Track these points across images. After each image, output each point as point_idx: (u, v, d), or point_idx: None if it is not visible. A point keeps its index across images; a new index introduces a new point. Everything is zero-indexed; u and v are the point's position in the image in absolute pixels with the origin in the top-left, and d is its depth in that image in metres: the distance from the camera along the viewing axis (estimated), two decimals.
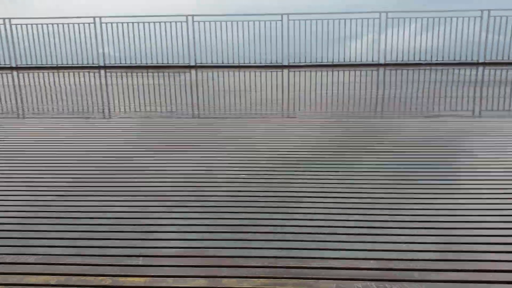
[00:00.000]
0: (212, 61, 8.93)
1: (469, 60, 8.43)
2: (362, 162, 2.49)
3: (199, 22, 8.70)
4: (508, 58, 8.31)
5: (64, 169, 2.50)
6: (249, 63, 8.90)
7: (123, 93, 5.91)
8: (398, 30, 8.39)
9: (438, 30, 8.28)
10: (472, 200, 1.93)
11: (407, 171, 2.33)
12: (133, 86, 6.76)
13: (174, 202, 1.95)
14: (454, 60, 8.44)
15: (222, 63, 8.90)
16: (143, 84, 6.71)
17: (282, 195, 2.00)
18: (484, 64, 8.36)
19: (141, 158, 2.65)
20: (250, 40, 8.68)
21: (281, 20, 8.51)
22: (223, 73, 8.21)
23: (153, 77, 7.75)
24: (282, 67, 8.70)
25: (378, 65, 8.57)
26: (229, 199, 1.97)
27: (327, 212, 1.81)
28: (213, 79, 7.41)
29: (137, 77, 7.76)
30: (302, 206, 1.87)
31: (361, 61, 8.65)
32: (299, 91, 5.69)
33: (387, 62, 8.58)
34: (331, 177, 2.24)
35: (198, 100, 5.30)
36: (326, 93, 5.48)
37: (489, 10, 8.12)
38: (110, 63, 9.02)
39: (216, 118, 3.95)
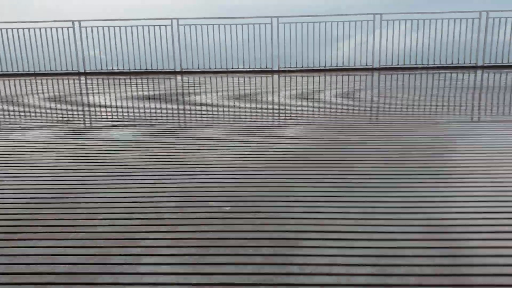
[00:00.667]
0: (198, 67, 8.61)
1: (467, 63, 8.22)
2: (363, 184, 2.18)
3: (184, 25, 8.37)
4: (508, 61, 8.11)
5: (24, 189, 2.17)
6: (238, 68, 8.61)
7: (104, 101, 5.58)
8: (392, 33, 8.16)
9: (435, 33, 8.05)
10: (488, 227, 1.63)
11: (410, 192, 2.02)
12: (115, 93, 6.44)
13: (142, 248, 1.62)
14: (452, 63, 8.21)
15: (209, 68, 8.59)
16: (126, 91, 6.37)
17: (274, 236, 1.68)
18: (483, 67, 8.15)
19: (111, 180, 2.32)
20: (239, 44, 8.39)
21: (271, 23, 8.21)
22: (210, 79, 7.89)
23: (136, 83, 7.41)
24: (272, 72, 8.41)
25: (372, 69, 8.32)
26: (209, 243, 1.64)
27: (330, 261, 1.49)
28: (200, 86, 7.09)
29: (119, 84, 7.42)
30: (299, 253, 1.55)
31: (354, 65, 8.39)
32: (290, 98, 5.39)
33: (381, 66, 8.33)
34: (331, 208, 1.92)
35: (185, 108, 4.98)
36: (319, 100, 5.19)
37: (487, 12, 7.91)
38: (90, 69, 8.66)
39: (201, 129, 3.63)
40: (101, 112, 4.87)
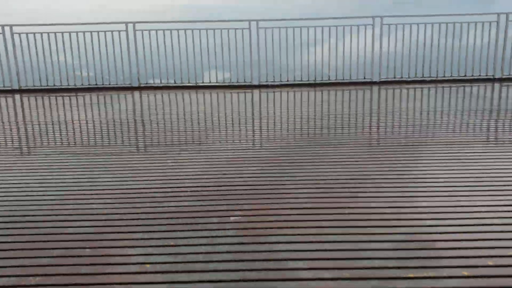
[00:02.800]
0: (161, 81, 8.71)
1: (482, 75, 8.52)
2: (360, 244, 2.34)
3: (142, 31, 8.45)
4: None
5: None
6: (209, 82, 8.74)
7: (45, 124, 5.87)
8: (396, 39, 8.40)
9: (445, 39, 8.33)
10: None
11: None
12: (58, 114, 6.60)
13: None
14: (465, 75, 8.49)
15: (174, 83, 8.69)
16: (71, 112, 6.41)
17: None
18: (501, 80, 8.47)
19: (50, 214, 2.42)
20: (210, 54, 8.50)
21: (249, 28, 8.36)
22: (176, 97, 8.02)
23: (84, 103, 7.47)
24: (252, 87, 8.56)
25: (372, 83, 8.54)
26: None
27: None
28: (163, 106, 7.20)
29: (63, 103, 7.47)
30: None
31: (350, 78, 8.60)
32: (274, 124, 5.54)
33: (382, 79, 8.57)
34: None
35: (145, 134, 5.10)
36: (308, 129, 5.37)
37: (507, 14, 8.21)
38: (27, 85, 8.68)
39: (158, 164, 3.74)
40: (41, 138, 5.26)
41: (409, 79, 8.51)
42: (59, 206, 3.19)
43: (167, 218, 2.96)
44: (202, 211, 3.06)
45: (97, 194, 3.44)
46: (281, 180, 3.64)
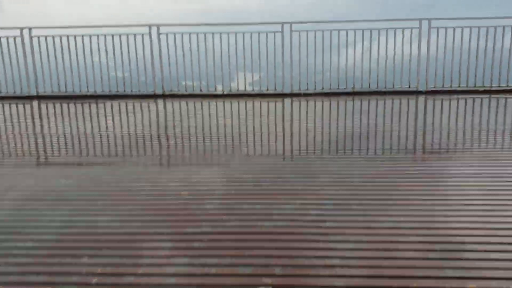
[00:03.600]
0: (186, 89, 8.12)
1: None
2: None
3: (167, 34, 7.87)
4: None
5: None
6: (238, 91, 8.12)
7: (64, 134, 5.56)
8: (445, 44, 7.60)
9: (502, 44, 7.48)
10: None
11: None
12: (77, 123, 6.16)
13: None
14: None
15: (200, 91, 8.10)
16: (91, 122, 5.91)
17: None
18: None
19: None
20: (239, 59, 7.90)
21: (281, 32, 7.69)
22: (201, 106, 7.39)
23: (104, 111, 6.94)
24: (284, 96, 7.90)
25: (417, 92, 7.77)
26: None
27: None
28: (188, 115, 6.58)
29: (82, 111, 6.97)
30: None
31: (393, 87, 7.85)
32: (307, 142, 4.83)
33: (430, 89, 7.78)
34: None
35: (165, 152, 4.50)
36: (344, 149, 4.63)
37: None
38: (45, 92, 8.20)
39: (173, 196, 3.06)
40: (59, 147, 5.00)
41: (459, 89, 7.72)
42: (47, 260, 2.52)
43: (174, 284, 2.25)
44: (220, 274, 2.33)
45: (92, 239, 2.76)
46: (320, 226, 2.87)
